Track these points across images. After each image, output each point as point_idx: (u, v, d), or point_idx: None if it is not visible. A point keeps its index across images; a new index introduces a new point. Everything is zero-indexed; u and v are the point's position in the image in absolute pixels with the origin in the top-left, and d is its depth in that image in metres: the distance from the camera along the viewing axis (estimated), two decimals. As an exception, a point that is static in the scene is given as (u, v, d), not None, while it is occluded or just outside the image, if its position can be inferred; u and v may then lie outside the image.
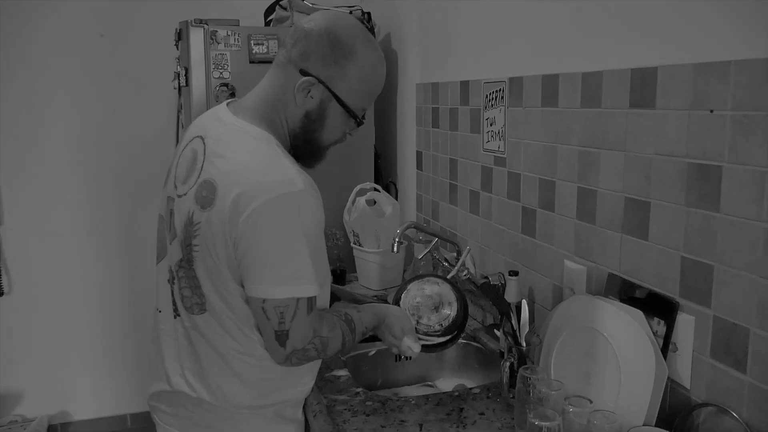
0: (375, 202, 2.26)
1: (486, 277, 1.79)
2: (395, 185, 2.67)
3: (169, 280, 1.27)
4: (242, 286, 1.16)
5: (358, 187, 2.30)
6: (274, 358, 1.19)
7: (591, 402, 1.19)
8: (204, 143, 1.21)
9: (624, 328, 1.20)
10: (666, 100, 1.15)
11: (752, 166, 0.99)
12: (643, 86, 1.21)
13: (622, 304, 1.25)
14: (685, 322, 1.14)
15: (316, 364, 1.33)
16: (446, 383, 1.82)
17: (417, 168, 2.40)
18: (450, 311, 1.50)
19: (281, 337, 1.14)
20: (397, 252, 1.69)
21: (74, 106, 2.89)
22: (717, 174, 1.05)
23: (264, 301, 1.12)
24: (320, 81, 1.17)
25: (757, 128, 0.97)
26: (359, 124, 1.25)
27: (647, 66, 1.19)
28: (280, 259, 1.11)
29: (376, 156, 2.61)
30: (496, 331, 1.79)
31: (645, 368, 1.15)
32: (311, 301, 1.15)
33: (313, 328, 1.17)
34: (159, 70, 2.82)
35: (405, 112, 2.53)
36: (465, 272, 1.85)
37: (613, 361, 1.20)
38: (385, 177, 2.71)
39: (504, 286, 1.77)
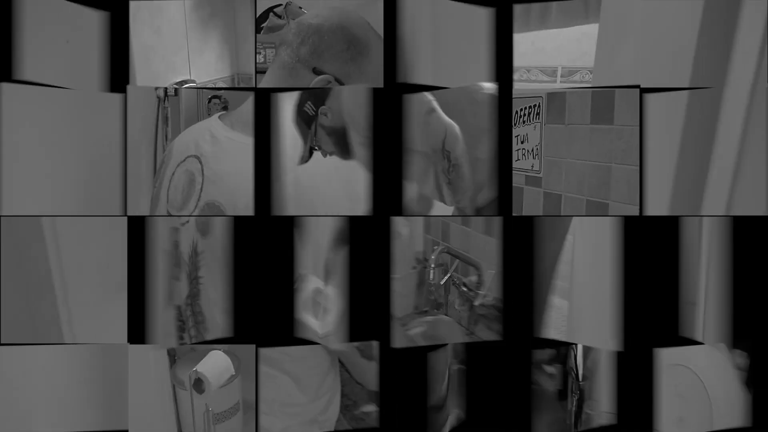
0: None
1: (516, 305, 1.67)
2: (391, 205, 2.53)
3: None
4: None
5: (363, 208, 2.15)
6: None
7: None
8: (201, 163, 1.10)
9: (714, 364, 1.11)
10: None
11: None
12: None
13: (708, 337, 1.15)
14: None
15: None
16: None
17: (421, 187, 2.28)
18: None
19: None
20: (434, 279, 1.58)
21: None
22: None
23: None
24: (337, 79, 1.08)
25: None
26: None
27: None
28: None
29: (375, 174, 2.47)
30: (546, 367, 1.66)
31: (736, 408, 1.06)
32: None
33: None
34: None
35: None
36: (491, 297, 1.74)
37: (704, 402, 1.09)
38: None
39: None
